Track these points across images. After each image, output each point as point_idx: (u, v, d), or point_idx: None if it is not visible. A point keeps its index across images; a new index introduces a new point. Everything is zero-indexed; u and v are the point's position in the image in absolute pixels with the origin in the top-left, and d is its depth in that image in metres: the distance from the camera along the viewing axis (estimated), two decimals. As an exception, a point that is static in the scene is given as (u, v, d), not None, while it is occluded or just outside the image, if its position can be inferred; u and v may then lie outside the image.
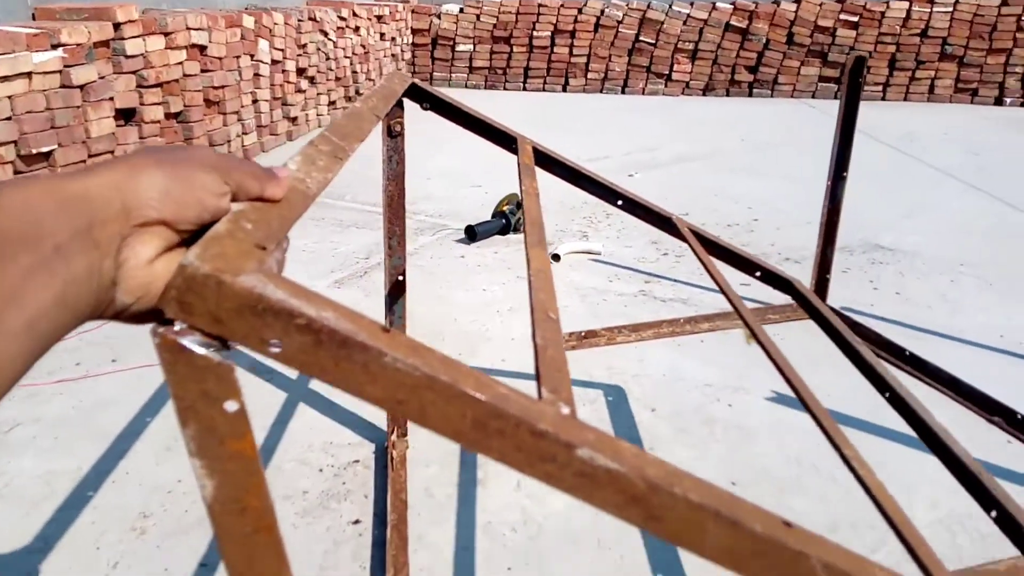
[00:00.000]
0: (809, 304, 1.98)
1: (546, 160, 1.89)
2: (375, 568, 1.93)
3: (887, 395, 1.66)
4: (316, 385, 2.75)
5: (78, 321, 0.51)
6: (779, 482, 2.29)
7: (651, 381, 2.88)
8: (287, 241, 0.70)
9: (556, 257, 4.00)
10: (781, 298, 2.74)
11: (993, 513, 1.28)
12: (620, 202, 1.95)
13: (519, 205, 4.45)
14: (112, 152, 4.42)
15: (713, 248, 2.03)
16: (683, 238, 1.90)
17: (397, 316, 2.23)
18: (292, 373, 2.83)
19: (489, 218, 4.42)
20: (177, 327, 0.60)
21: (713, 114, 8.77)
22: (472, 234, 4.25)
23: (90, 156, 4.21)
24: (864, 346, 1.84)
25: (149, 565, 1.90)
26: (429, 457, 2.38)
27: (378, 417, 2.54)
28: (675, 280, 3.84)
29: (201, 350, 0.60)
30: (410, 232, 4.44)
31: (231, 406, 0.66)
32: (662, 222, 1.99)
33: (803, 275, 3.41)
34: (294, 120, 6.81)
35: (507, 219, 4.35)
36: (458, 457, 2.38)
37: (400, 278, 2.19)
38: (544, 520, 2.12)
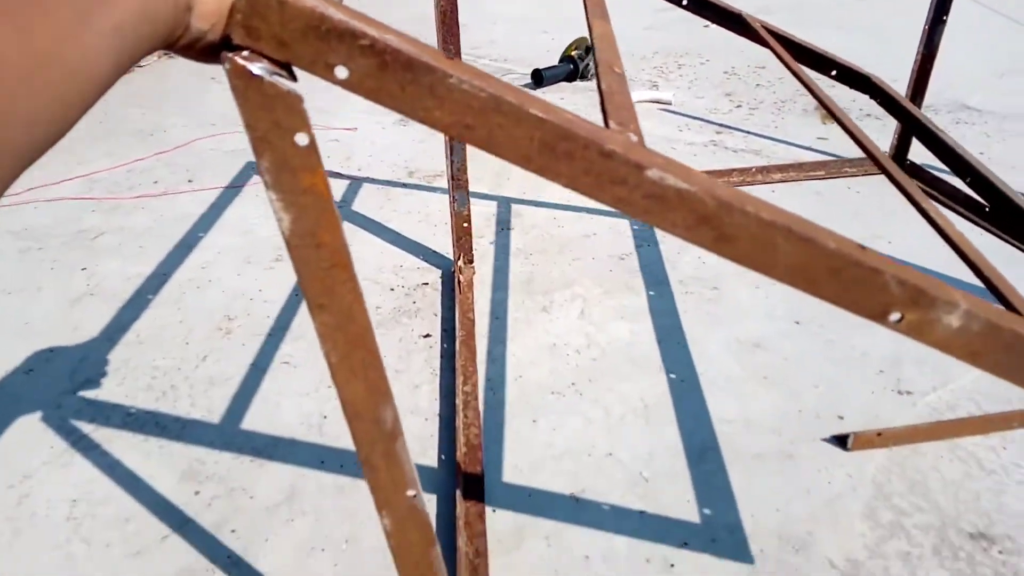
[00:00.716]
0: (891, 101, 1.88)
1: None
2: (444, 375, 2.02)
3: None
4: (386, 215, 2.79)
5: (157, 39, 0.52)
6: (842, 320, 2.29)
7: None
8: None
9: (624, 104, 3.88)
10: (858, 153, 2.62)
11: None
12: (684, 2, 1.84)
13: (588, 50, 4.28)
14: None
15: (786, 45, 1.92)
16: (755, 37, 1.80)
17: (456, 153, 2.22)
18: (362, 204, 2.87)
19: (556, 63, 4.28)
20: (245, 53, 0.60)
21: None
22: (539, 79, 4.13)
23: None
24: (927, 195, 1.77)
25: (236, 359, 2.02)
26: (496, 284, 2.43)
27: (445, 246, 2.59)
28: (747, 132, 3.71)
29: (269, 76, 0.61)
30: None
31: (302, 139, 0.67)
32: (731, 20, 1.88)
33: (886, 132, 3.26)
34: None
35: (575, 64, 4.21)
36: (525, 287, 2.43)
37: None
38: (607, 345, 2.17)
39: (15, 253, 2.39)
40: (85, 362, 1.97)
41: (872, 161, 1.32)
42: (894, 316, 0.74)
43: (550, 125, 0.64)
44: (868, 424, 1.90)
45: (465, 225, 2.37)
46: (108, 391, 1.89)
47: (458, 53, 2.09)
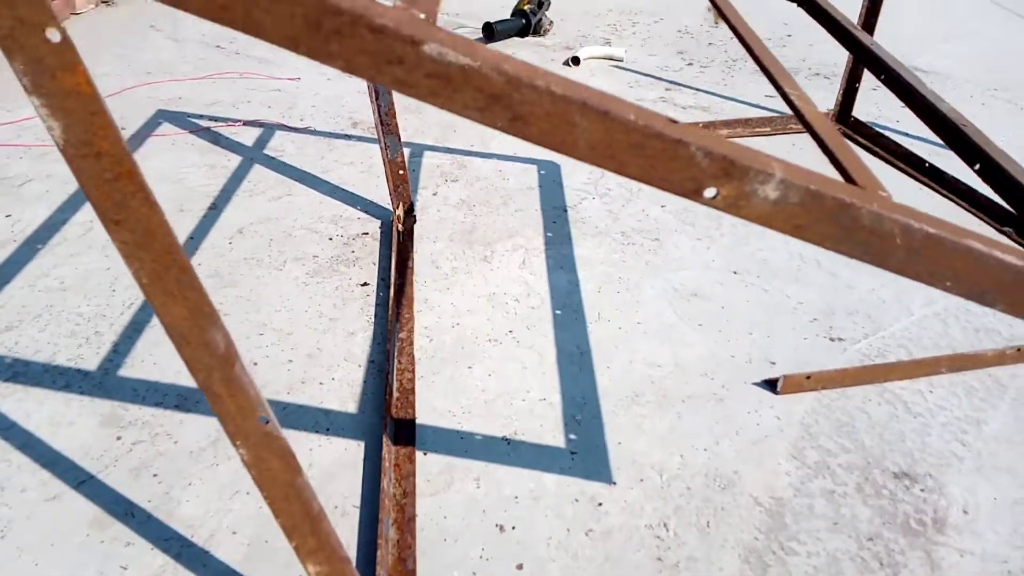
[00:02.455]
0: (817, 7, 1.86)
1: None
2: (380, 323, 1.99)
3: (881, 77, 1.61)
4: (328, 165, 2.73)
5: None
6: (779, 272, 2.31)
7: (663, 180, 2.84)
8: None
9: (576, 61, 3.85)
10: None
11: (976, 165, 1.28)
12: None
13: (541, 4, 4.22)
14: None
15: None
16: None
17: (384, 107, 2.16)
18: (303, 154, 2.81)
19: (508, 17, 4.21)
20: None
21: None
22: (490, 32, 4.06)
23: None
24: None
25: (163, 306, 1.96)
26: (437, 235, 2.40)
27: (386, 197, 2.54)
28: (697, 89, 3.70)
29: None
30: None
31: (53, 35, 0.62)
32: None
33: (832, 91, 3.28)
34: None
35: (527, 19, 4.14)
36: (466, 236, 2.40)
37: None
38: (546, 294, 2.16)
39: (-67, 199, 2.29)
40: (4, 308, 1.90)
41: (745, 47, 1.31)
42: (709, 192, 0.70)
43: (311, 0, 0.59)
44: (799, 369, 1.93)
45: (401, 172, 2.32)
46: (29, 337, 1.83)
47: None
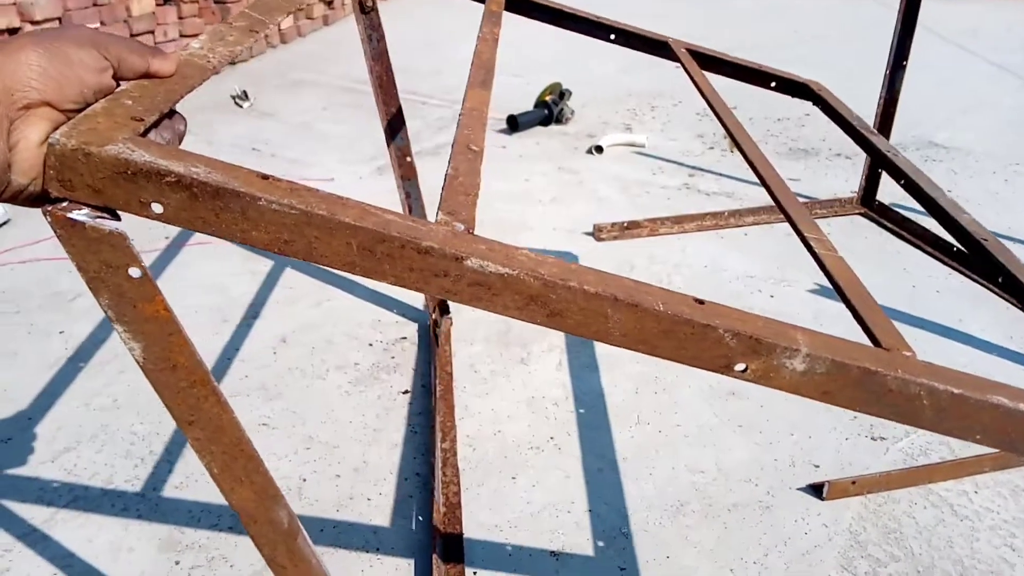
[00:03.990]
0: (831, 109, 1.90)
1: (521, 4, 1.76)
2: (423, 433, 2.03)
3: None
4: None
5: None
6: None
7: (692, 272, 2.90)
8: (183, 121, 0.71)
9: (599, 149, 3.95)
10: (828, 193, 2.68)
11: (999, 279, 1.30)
12: (612, 36, 1.85)
13: (562, 95, 4.37)
14: (152, 32, 4.39)
15: (717, 65, 1.91)
16: (679, 60, 1.82)
17: (414, 199, 2.24)
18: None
19: (531, 108, 4.35)
20: (64, 204, 0.63)
21: (764, 3, 8.38)
22: (514, 124, 4.20)
23: (131, 35, 4.19)
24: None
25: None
26: (474, 336, 2.45)
27: (422, 299, 2.61)
28: (720, 174, 3.79)
29: (90, 221, 0.63)
30: (450, 121, 4.41)
31: (134, 272, 0.69)
32: (658, 48, 1.89)
33: (855, 171, 3.34)
34: (330, 4, 6.66)
35: (550, 109, 4.29)
36: (502, 337, 2.45)
37: (408, 159, 2.16)
38: (584, 396, 2.19)
39: (-9, 317, 2.39)
40: (62, 430, 1.96)
41: (764, 186, 1.36)
42: (739, 367, 0.76)
43: (364, 231, 0.66)
44: (842, 471, 1.93)
45: (441, 280, 2.39)
46: (87, 459, 1.88)
47: (399, 114, 2.10)
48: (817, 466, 1.96)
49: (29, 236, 2.83)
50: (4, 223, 2.91)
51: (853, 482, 1.85)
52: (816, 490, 1.87)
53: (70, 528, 1.69)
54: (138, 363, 0.76)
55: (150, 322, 0.73)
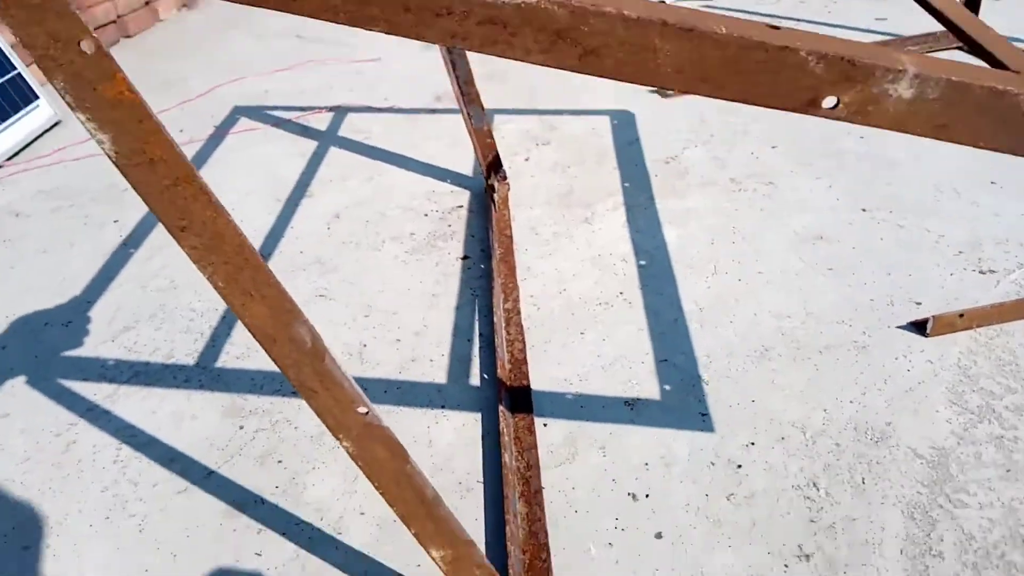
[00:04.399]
0: None
1: None
2: (483, 296, 1.93)
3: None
4: (415, 141, 2.68)
5: None
6: (913, 206, 2.10)
7: (770, 121, 2.65)
8: None
9: None
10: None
11: None
12: None
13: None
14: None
15: None
16: None
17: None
18: (390, 134, 2.77)
19: None
20: None
21: None
22: None
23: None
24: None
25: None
26: (534, 200, 2.31)
27: (476, 168, 2.47)
28: (799, 19, 3.45)
29: None
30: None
31: (87, 47, 0.59)
32: None
33: None
34: None
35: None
36: (564, 199, 2.30)
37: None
38: (655, 251, 2.04)
39: (48, 212, 2.37)
40: (121, 311, 1.94)
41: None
42: (828, 102, 0.60)
43: None
44: (947, 308, 1.74)
45: (488, 141, 2.24)
46: (146, 337, 1.86)
47: None
48: (919, 303, 1.77)
49: (80, 135, 2.79)
50: (55, 124, 2.89)
51: (960, 315, 1.66)
52: (919, 327, 1.70)
53: (132, 401, 1.67)
54: (111, 158, 0.65)
55: (115, 107, 0.62)
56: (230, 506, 1.43)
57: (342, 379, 0.83)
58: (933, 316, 1.66)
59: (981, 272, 1.85)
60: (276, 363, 0.81)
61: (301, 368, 0.81)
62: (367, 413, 0.86)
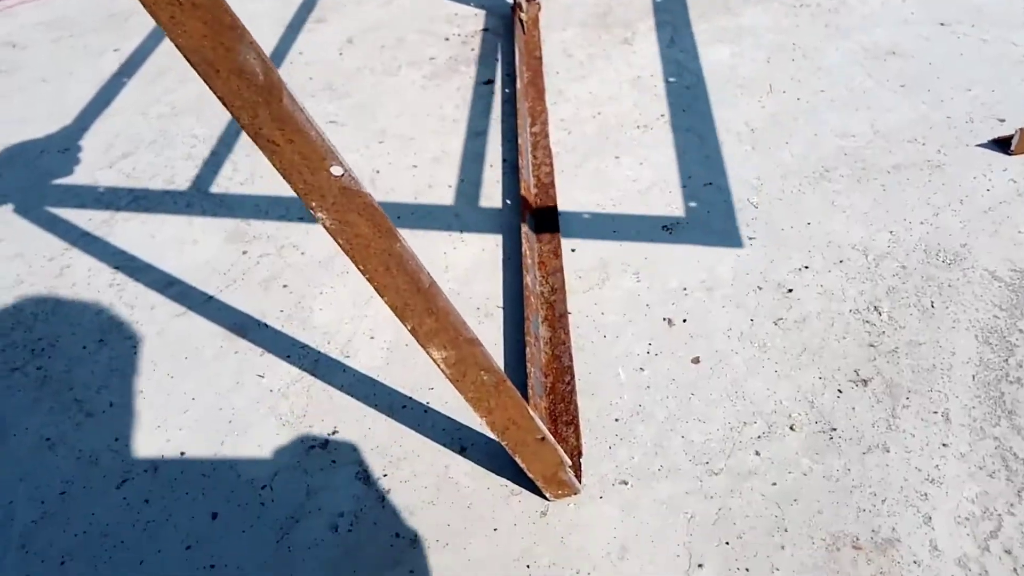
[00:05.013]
0: None
1: None
2: (508, 120, 1.74)
3: None
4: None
5: None
6: (998, 18, 1.83)
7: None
8: None
9: None
10: None
11: None
12: None
13: None
14: None
15: None
16: None
17: None
18: (409, -46, 2.50)
19: None
20: None
21: None
22: None
23: None
24: None
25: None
26: (567, 21, 2.07)
27: (507, -10, 2.22)
28: None
29: None
30: None
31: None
32: None
33: None
34: None
35: None
36: (601, 20, 2.06)
37: None
38: (703, 71, 1.82)
39: (48, 43, 2.21)
40: (120, 137, 1.81)
41: None
42: None
43: None
44: (1039, 124, 1.52)
45: (520, -56, 1.99)
46: (146, 162, 1.73)
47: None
48: (1002, 120, 1.55)
49: (80, -33, 2.59)
50: (53, -44, 2.68)
51: (1057, 128, 1.44)
52: (1002, 144, 1.48)
53: (131, 226, 1.56)
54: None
55: None
56: (230, 330, 1.33)
57: (307, 127, 0.68)
58: (1020, 130, 1.44)
59: (1081, 86, 1.60)
60: (225, 105, 0.66)
61: (255, 109, 0.66)
62: (343, 175, 0.71)
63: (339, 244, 0.77)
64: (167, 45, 2.15)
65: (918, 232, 1.34)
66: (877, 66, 1.74)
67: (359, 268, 0.79)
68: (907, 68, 1.73)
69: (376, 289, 0.80)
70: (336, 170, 0.72)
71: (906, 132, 1.55)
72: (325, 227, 0.76)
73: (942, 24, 1.85)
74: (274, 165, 0.72)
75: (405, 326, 0.83)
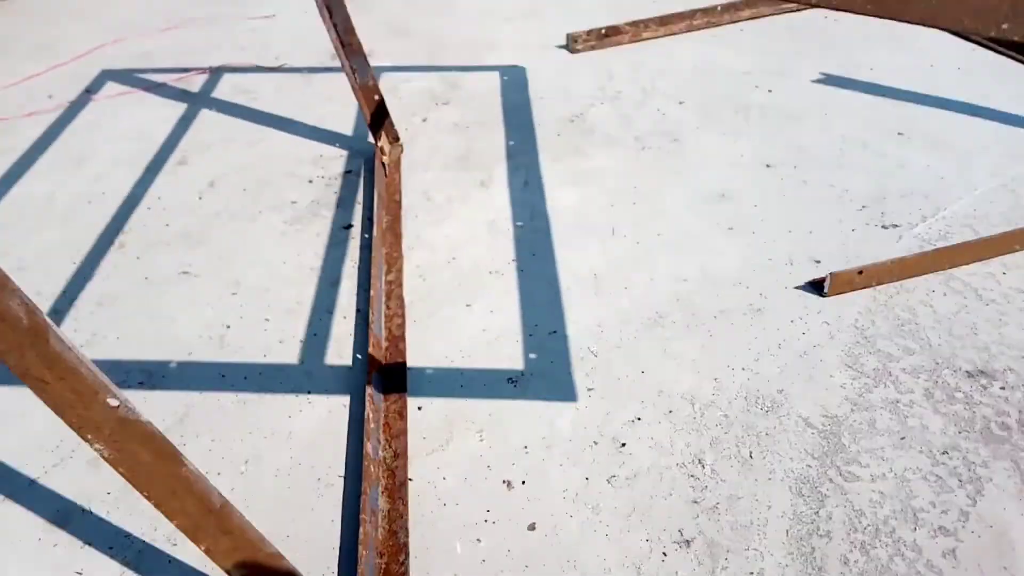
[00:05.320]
0: None
1: None
2: (365, 268, 1.78)
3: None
4: (307, 101, 2.49)
5: None
6: (819, 159, 2.02)
7: (680, 76, 2.54)
8: None
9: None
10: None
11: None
12: None
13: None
14: None
15: None
16: None
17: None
18: (280, 95, 2.57)
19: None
20: None
21: None
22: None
23: None
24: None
25: (129, 275, 1.78)
26: (428, 164, 2.16)
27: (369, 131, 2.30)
28: (711, -29, 3.32)
29: None
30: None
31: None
32: None
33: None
34: None
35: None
36: (461, 162, 2.15)
37: None
38: (553, 214, 1.91)
39: None
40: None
41: None
42: None
43: None
44: (849, 265, 1.66)
45: (376, 97, 2.07)
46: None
47: None
48: (818, 261, 1.69)
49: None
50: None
51: (860, 272, 1.58)
52: (816, 287, 1.61)
53: (-37, 397, 1.49)
54: None
55: None
56: (50, 521, 1.27)
57: (78, 363, 0.69)
58: (831, 274, 1.57)
59: (884, 227, 1.77)
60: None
61: (22, 351, 0.66)
62: (119, 406, 0.71)
63: (120, 473, 0.77)
64: (19, 191, 2.11)
65: (740, 379, 1.42)
66: (708, 209, 1.88)
67: (144, 495, 0.78)
68: (735, 210, 1.87)
69: (164, 514, 0.80)
70: (111, 401, 0.72)
71: (732, 275, 1.67)
72: (104, 458, 0.76)
73: (768, 166, 2.02)
74: (46, 403, 0.72)
75: (199, 548, 0.82)
